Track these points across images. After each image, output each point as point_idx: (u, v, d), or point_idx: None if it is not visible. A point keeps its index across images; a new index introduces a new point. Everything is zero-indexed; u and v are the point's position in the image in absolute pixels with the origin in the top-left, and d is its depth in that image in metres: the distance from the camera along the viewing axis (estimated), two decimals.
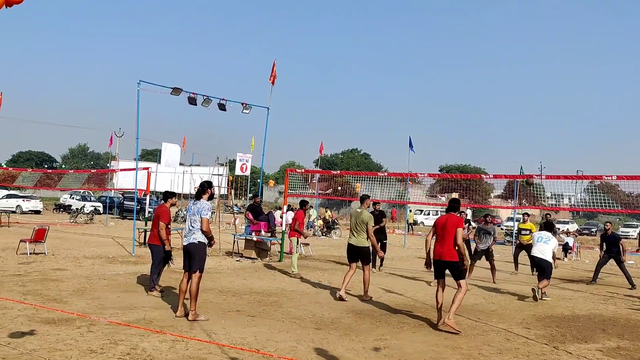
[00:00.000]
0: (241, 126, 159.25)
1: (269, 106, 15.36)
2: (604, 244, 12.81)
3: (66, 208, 34.19)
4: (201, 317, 6.79)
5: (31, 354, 5.06)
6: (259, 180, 24.46)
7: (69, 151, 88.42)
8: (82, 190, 34.73)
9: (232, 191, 38.10)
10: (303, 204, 12.43)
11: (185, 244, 6.98)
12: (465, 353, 5.93)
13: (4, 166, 42.44)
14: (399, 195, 24.72)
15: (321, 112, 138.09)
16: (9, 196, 33.22)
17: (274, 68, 15.23)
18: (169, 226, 8.70)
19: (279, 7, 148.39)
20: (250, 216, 15.06)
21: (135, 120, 13.76)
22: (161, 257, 8.51)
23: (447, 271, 7.17)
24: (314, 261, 14.58)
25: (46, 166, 74.71)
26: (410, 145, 23.38)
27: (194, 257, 6.85)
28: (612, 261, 12.82)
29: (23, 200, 33.12)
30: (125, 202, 32.47)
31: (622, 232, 42.32)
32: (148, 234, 16.05)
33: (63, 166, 78.25)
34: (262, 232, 14.97)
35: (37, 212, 33.08)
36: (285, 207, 14.87)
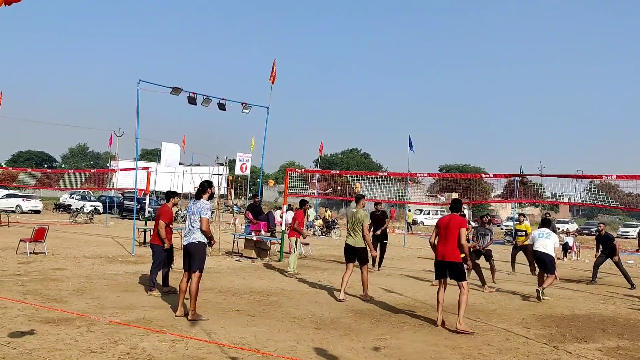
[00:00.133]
0: (241, 126, 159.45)
1: (269, 106, 15.37)
2: (599, 244, 12.97)
3: (66, 208, 34.20)
4: (201, 316, 6.79)
5: (31, 353, 5.06)
6: (258, 180, 24.46)
7: (68, 151, 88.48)
8: (81, 190, 34.73)
9: (232, 191, 38.10)
10: (302, 204, 12.43)
11: (185, 243, 6.98)
12: (465, 353, 5.93)
13: (4, 166, 42.44)
14: (398, 195, 24.72)
15: (321, 111, 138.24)
16: (8, 196, 33.23)
17: (273, 68, 15.22)
18: (171, 226, 8.69)
19: (279, 7, 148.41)
20: (250, 216, 15.06)
21: (135, 120, 13.77)
22: (162, 257, 8.50)
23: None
24: (314, 261, 14.59)
25: (46, 166, 74.70)
26: (410, 145, 23.38)
27: (194, 257, 6.85)
28: (611, 261, 12.83)
29: (23, 200, 33.12)
30: (125, 202, 32.49)
31: (621, 231, 42.35)
32: (148, 233, 16.21)
33: (63, 166, 78.25)
34: (262, 232, 14.97)
35: (37, 211, 33.08)
36: (285, 207, 14.87)
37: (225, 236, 18.41)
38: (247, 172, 26.23)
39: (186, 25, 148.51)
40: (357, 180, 22.79)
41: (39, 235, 12.63)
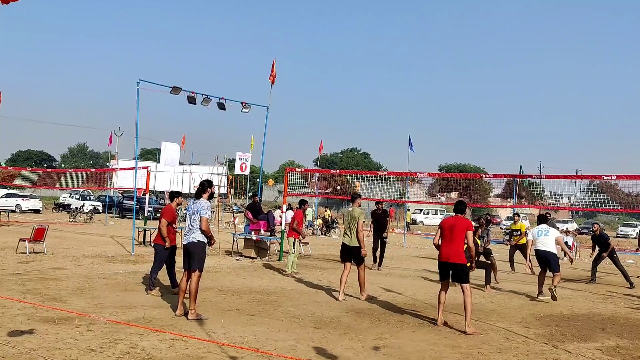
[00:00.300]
0: (241, 125, 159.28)
1: (269, 105, 15.38)
2: (595, 244, 13.02)
3: (65, 207, 34.21)
4: (201, 316, 6.79)
5: (30, 353, 5.05)
6: (258, 180, 24.45)
7: (68, 150, 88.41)
8: (81, 190, 34.74)
9: (232, 190, 38.10)
10: (302, 204, 12.39)
11: (184, 242, 6.98)
12: (465, 352, 5.93)
13: (4, 165, 42.38)
14: (398, 195, 24.72)
15: (321, 111, 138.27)
16: (8, 195, 33.22)
17: (273, 67, 15.23)
18: (175, 225, 8.67)
19: (279, 7, 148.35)
20: (250, 215, 15.06)
21: (134, 119, 13.78)
22: (163, 257, 8.47)
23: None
24: (314, 260, 14.59)
25: (45, 165, 74.65)
26: (410, 144, 23.38)
27: (193, 256, 6.85)
28: (610, 260, 12.85)
29: (22, 200, 33.13)
30: (124, 201, 32.48)
31: (621, 231, 42.38)
32: (147, 233, 16.22)
33: (62, 165, 78.18)
34: (262, 232, 14.97)
35: (37, 211, 33.08)
36: (284, 207, 14.86)
37: (225, 236, 18.41)
38: (247, 172, 26.21)
39: (186, 24, 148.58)
40: (356, 179, 22.79)
41: (39, 234, 12.62)
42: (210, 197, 7.15)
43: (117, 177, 30.76)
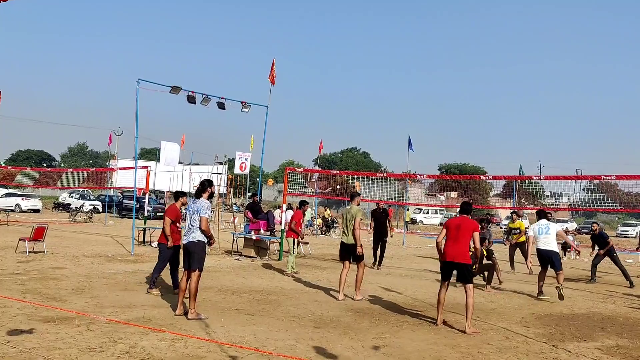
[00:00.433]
0: (240, 125, 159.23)
1: (268, 105, 15.37)
2: (595, 243, 13.05)
3: (65, 207, 34.19)
4: (200, 315, 6.79)
5: (30, 352, 5.05)
6: (258, 179, 24.45)
7: (68, 150, 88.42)
8: (81, 189, 34.75)
9: (231, 190, 38.09)
10: (302, 204, 12.36)
11: (184, 242, 6.98)
12: (465, 351, 5.93)
13: (3, 165, 42.38)
14: (398, 195, 24.73)
15: (321, 110, 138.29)
16: (8, 195, 33.20)
17: (273, 67, 15.22)
18: (178, 225, 8.65)
19: (278, 7, 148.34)
20: (250, 215, 15.06)
21: (134, 119, 13.78)
22: (166, 256, 8.43)
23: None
24: (313, 260, 14.59)
25: (45, 165, 74.64)
26: (410, 144, 23.37)
27: (193, 256, 6.85)
28: (609, 260, 12.85)
29: (22, 199, 33.11)
30: (124, 201, 32.48)
31: (621, 230, 42.40)
32: (147, 232, 16.22)
33: (62, 165, 78.15)
34: (261, 231, 14.97)
35: (36, 210, 33.07)
36: (284, 206, 14.86)
37: (225, 235, 18.41)
38: (247, 171, 26.22)
39: (186, 24, 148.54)
40: (356, 179, 22.81)
41: (38, 234, 12.62)
42: (210, 196, 7.15)
43: (116, 176, 30.75)
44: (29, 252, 12.38)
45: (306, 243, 16.46)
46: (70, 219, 26.79)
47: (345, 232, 8.82)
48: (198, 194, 7.02)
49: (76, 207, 31.43)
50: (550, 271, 10.03)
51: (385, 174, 21.18)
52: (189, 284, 6.88)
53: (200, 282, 7.11)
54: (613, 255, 12.71)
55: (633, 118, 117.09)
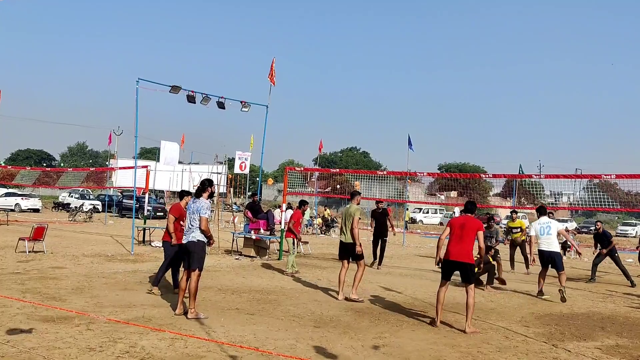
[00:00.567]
0: (240, 124, 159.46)
1: (268, 104, 15.37)
2: (597, 242, 13.01)
3: (65, 206, 34.18)
4: (200, 315, 6.79)
5: (30, 352, 5.05)
6: (257, 179, 24.45)
7: (67, 149, 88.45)
8: (81, 189, 34.74)
9: (231, 189, 38.10)
10: (302, 204, 12.30)
11: (184, 241, 6.98)
12: (464, 351, 5.93)
13: (3, 164, 42.39)
14: (398, 194, 24.73)
15: (320, 110, 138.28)
16: (7, 194, 33.20)
17: (272, 66, 15.21)
18: (182, 223, 8.64)
19: (278, 7, 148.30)
20: (249, 214, 15.05)
21: (134, 119, 13.78)
22: (170, 254, 8.41)
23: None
24: (313, 259, 14.58)
25: (45, 164, 74.61)
26: (410, 143, 23.37)
27: (193, 255, 6.85)
28: (610, 259, 12.85)
29: (22, 199, 33.10)
30: (124, 201, 32.47)
31: (620, 230, 42.40)
32: (147, 232, 16.22)
33: (62, 164, 78.14)
34: (261, 231, 14.96)
35: (36, 210, 33.06)
36: (284, 206, 14.85)
37: (225, 235, 18.41)
38: (247, 171, 26.21)
39: (186, 24, 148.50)
40: (356, 178, 22.81)
41: (38, 233, 12.61)
42: (210, 196, 7.14)
43: (116, 176, 30.78)
44: (29, 252, 12.38)
45: (306, 242, 16.45)
46: (70, 219, 26.78)
47: (344, 231, 8.80)
48: (198, 194, 7.02)
49: (76, 207, 31.43)
50: (551, 271, 10.04)
51: (385, 172, 21.18)
52: (188, 283, 6.88)
53: (200, 282, 7.10)
54: (614, 255, 12.71)
55: (633, 118, 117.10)
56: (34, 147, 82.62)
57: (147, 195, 21.25)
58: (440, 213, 47.63)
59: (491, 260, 11.29)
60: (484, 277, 10.62)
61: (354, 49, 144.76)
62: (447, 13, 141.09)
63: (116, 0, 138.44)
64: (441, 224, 43.65)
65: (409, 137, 23.30)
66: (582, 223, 46.90)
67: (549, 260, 9.80)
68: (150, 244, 15.32)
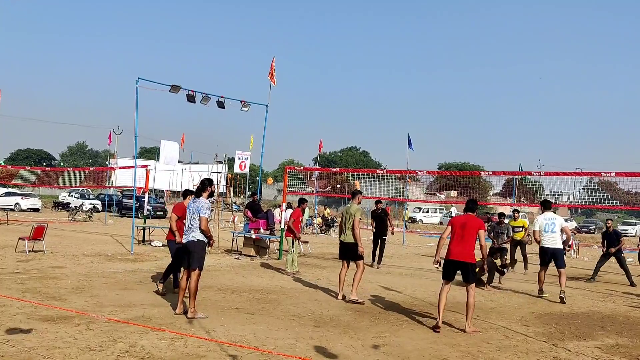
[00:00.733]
0: (240, 124, 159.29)
1: (268, 104, 15.36)
2: (605, 241, 12.91)
3: (65, 206, 34.17)
4: (200, 314, 6.78)
5: (30, 351, 5.05)
6: (257, 178, 24.45)
7: (67, 149, 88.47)
8: (80, 188, 34.72)
9: (231, 189, 38.08)
10: (300, 203, 12.26)
11: (184, 241, 6.98)
12: (464, 350, 5.93)
13: (3, 164, 42.34)
14: (398, 193, 24.72)
15: (320, 109, 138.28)
16: (7, 194, 33.19)
17: (272, 65, 15.20)
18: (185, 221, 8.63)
19: (278, 7, 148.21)
20: (249, 214, 15.04)
21: (134, 118, 13.77)
22: (175, 252, 8.38)
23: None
24: (313, 259, 14.58)
25: (45, 164, 74.60)
26: (409, 143, 23.37)
27: (193, 255, 6.85)
28: (612, 258, 12.84)
29: (22, 198, 33.09)
30: (124, 200, 32.47)
31: (620, 229, 42.35)
32: (146, 231, 16.21)
33: (62, 164, 78.12)
34: (261, 230, 14.96)
35: (36, 209, 33.05)
36: (284, 205, 14.84)
37: (225, 234, 18.41)
38: (246, 170, 26.22)
39: (186, 24, 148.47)
40: (356, 178, 22.81)
41: (38, 233, 12.61)
42: (210, 196, 7.14)
43: (116, 175, 30.74)
44: (29, 251, 12.37)
45: (306, 242, 16.45)
46: (70, 218, 26.78)
47: (344, 230, 8.77)
48: (198, 193, 7.02)
49: (76, 206, 31.42)
50: (551, 270, 10.02)
51: (385, 171, 21.19)
52: (188, 283, 6.88)
53: (200, 281, 7.10)
54: (620, 255, 12.67)
55: (633, 118, 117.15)
56: (34, 146, 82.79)
57: (147, 195, 21.23)
58: (440, 212, 47.61)
59: (493, 260, 11.31)
60: (484, 277, 10.62)
61: (354, 49, 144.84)
62: (447, 13, 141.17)
63: (116, 0, 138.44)
64: (441, 223, 43.61)
65: (408, 136, 23.33)
66: (582, 222, 46.93)
67: (550, 255, 9.71)
68: (150, 243, 15.32)
